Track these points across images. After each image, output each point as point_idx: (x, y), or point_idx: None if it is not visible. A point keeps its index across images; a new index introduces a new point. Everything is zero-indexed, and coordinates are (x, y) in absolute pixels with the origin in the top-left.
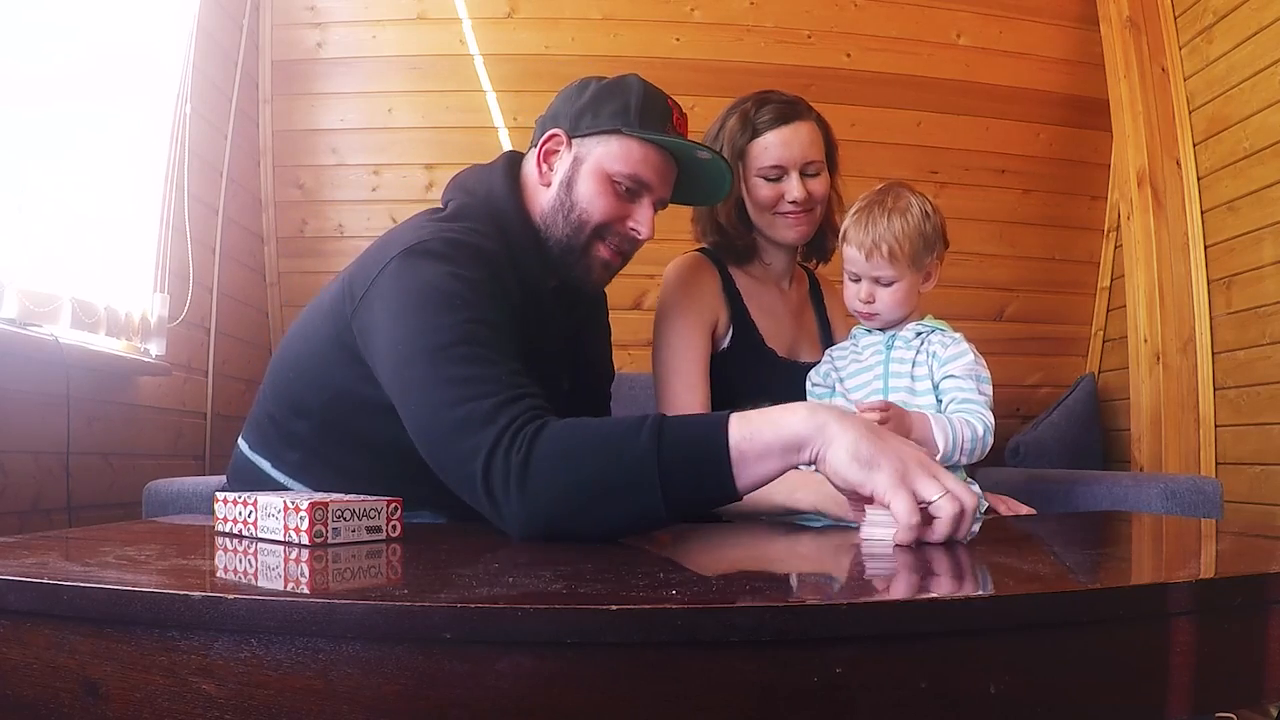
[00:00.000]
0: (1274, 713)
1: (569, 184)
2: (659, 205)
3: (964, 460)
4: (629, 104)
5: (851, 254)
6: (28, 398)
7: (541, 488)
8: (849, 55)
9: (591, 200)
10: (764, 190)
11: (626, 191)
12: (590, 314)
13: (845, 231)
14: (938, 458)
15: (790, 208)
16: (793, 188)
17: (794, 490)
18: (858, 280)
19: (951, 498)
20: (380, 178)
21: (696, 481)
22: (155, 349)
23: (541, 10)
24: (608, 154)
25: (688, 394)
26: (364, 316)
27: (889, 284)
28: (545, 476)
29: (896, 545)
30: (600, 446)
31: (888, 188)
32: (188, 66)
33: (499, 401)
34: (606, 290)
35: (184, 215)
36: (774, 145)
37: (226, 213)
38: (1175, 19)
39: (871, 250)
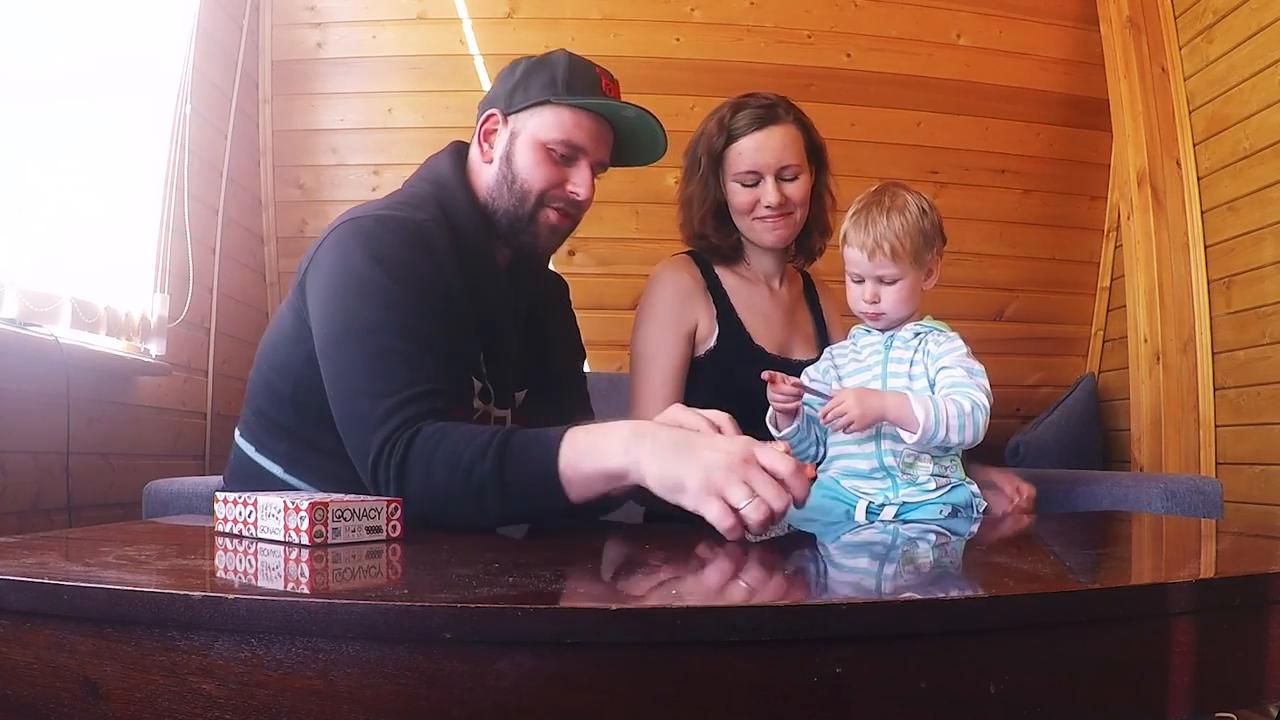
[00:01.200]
0: (1274, 713)
1: (508, 158)
2: (598, 168)
3: (954, 437)
4: (556, 75)
5: (853, 255)
6: (28, 398)
7: (411, 491)
8: (849, 55)
9: (531, 170)
10: (741, 195)
11: (562, 157)
12: (547, 294)
13: (845, 234)
14: (918, 434)
15: (766, 212)
16: (768, 193)
17: None
18: (861, 281)
19: (758, 504)
20: (380, 178)
21: (532, 498)
22: (155, 349)
23: (541, 10)
24: (541, 124)
25: (655, 403)
26: (307, 288)
27: (893, 282)
28: (413, 482)
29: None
30: (454, 463)
31: (883, 188)
32: (188, 66)
33: (393, 404)
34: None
35: (184, 215)
36: (748, 151)
37: (226, 213)
38: (1175, 19)
39: (874, 250)
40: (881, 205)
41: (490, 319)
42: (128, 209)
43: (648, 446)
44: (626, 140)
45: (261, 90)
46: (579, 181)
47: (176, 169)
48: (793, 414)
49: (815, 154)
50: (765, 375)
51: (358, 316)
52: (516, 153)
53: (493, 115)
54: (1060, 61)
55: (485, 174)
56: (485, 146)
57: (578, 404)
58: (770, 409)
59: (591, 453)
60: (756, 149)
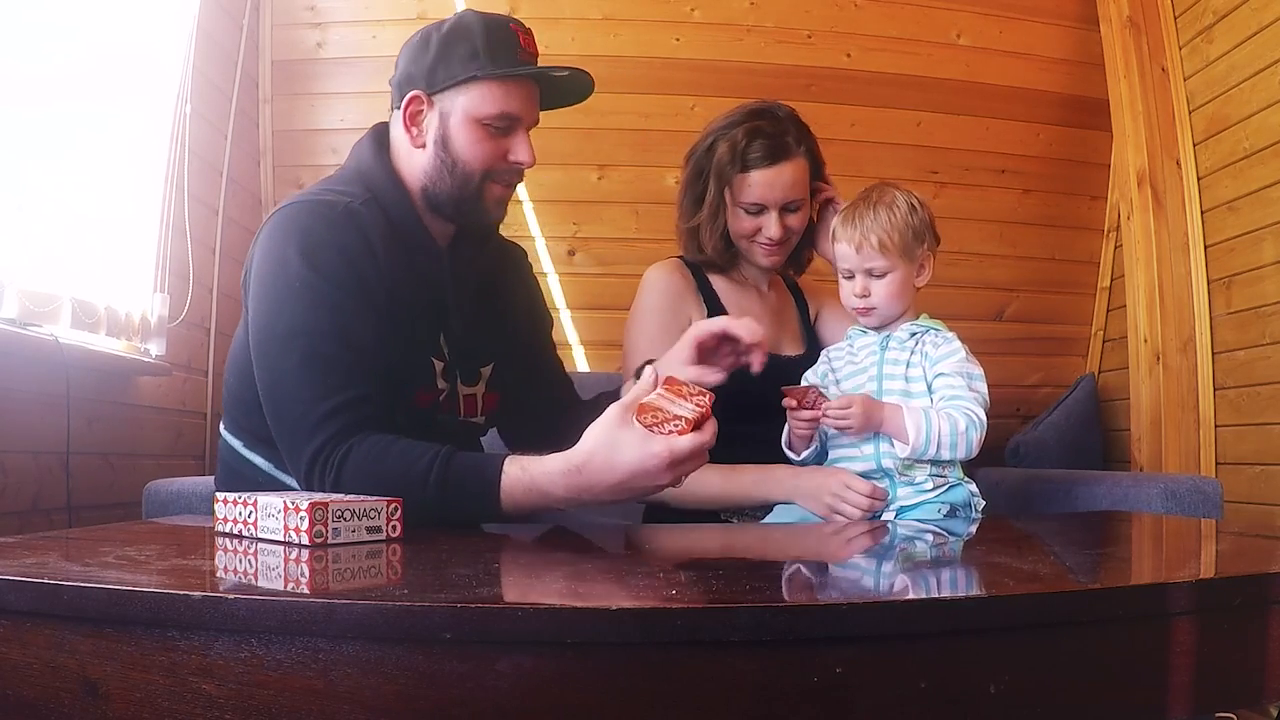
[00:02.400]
0: (1274, 713)
1: (443, 141)
2: (531, 128)
3: (945, 454)
4: (476, 46)
5: (843, 250)
6: (28, 398)
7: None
8: (849, 55)
9: (470, 150)
10: (744, 222)
11: (499, 130)
12: (501, 265)
13: (834, 231)
14: (908, 450)
15: (766, 241)
16: (770, 226)
17: (764, 484)
18: (851, 277)
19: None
20: None
21: (470, 519)
22: (155, 349)
23: (541, 10)
24: (471, 102)
25: None
26: (248, 285)
27: (882, 275)
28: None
29: None
30: (392, 488)
31: (873, 187)
32: (188, 66)
33: (325, 411)
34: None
35: (184, 215)
36: (757, 185)
37: (226, 213)
38: (1175, 19)
39: (861, 242)
40: (869, 201)
41: (437, 297)
42: (128, 209)
43: (579, 495)
44: (556, 88)
45: (261, 90)
46: (521, 151)
47: (176, 169)
48: (809, 439)
49: (816, 174)
50: (786, 403)
51: (291, 317)
52: (452, 135)
53: (416, 96)
54: (1060, 61)
55: (417, 159)
56: (414, 131)
57: (549, 372)
58: (786, 432)
59: (537, 495)
60: (767, 185)
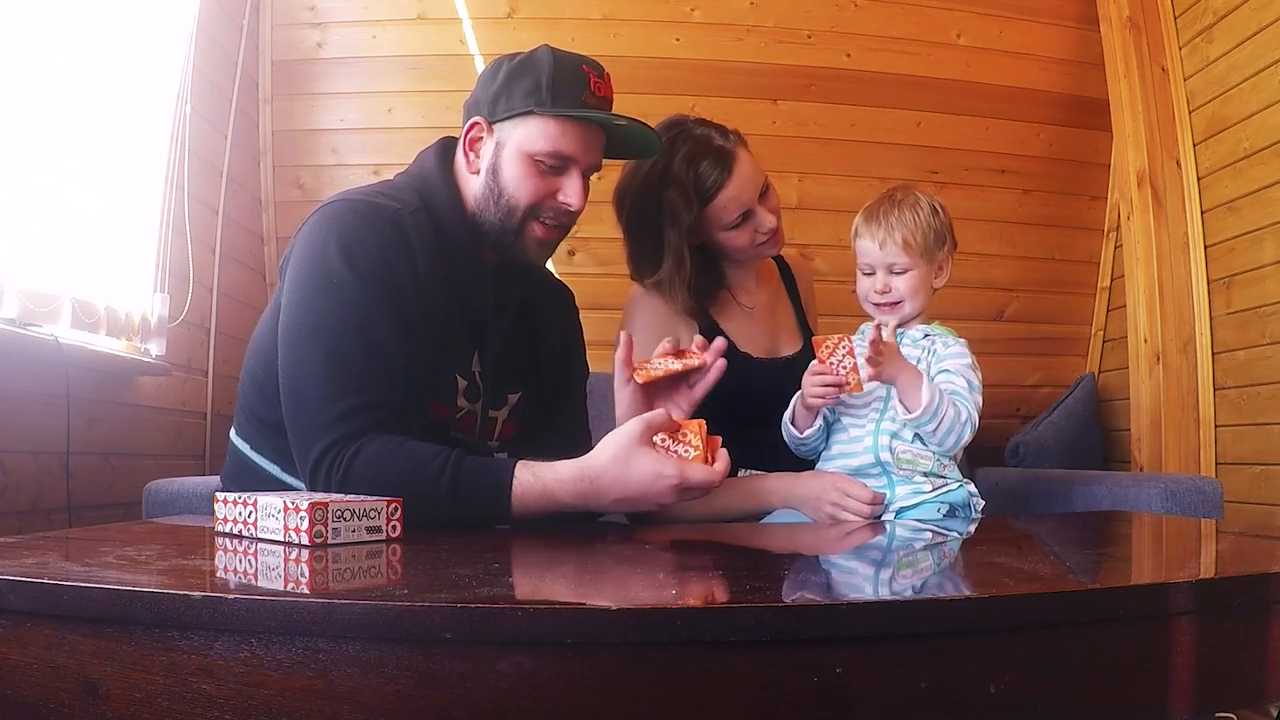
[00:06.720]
0: (1274, 713)
1: (495, 171)
2: (589, 172)
3: (938, 435)
4: (540, 81)
5: (865, 246)
6: (28, 398)
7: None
8: (849, 55)
9: (518, 184)
10: (739, 236)
11: (551, 168)
12: (544, 296)
13: (856, 228)
14: (915, 413)
15: (766, 237)
16: (763, 221)
17: (761, 493)
18: (871, 273)
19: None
20: (380, 178)
21: (479, 522)
22: (155, 349)
23: (541, 10)
24: (526, 136)
25: None
26: (285, 273)
27: (903, 272)
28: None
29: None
30: (401, 488)
31: (896, 188)
32: (188, 66)
33: (339, 413)
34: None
35: (184, 215)
36: (734, 199)
37: (226, 213)
38: (1175, 19)
39: (885, 239)
40: (894, 200)
41: (478, 316)
42: (128, 209)
43: (594, 499)
44: (621, 138)
45: (261, 90)
46: (570, 192)
47: (176, 169)
48: (817, 412)
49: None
50: (817, 355)
51: (321, 314)
52: (503, 166)
53: (477, 123)
54: (1060, 61)
55: (472, 184)
56: (471, 156)
57: (569, 423)
58: (791, 406)
59: (546, 500)
60: (739, 191)
